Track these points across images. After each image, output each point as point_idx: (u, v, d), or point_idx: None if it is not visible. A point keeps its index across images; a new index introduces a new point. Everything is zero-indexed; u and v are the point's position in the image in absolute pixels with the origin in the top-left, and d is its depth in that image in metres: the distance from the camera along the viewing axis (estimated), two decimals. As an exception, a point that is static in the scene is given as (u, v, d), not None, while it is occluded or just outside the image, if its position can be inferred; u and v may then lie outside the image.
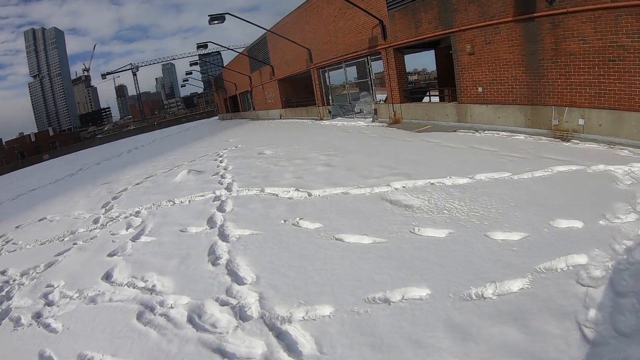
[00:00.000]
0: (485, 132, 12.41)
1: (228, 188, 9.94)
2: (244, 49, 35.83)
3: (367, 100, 22.20)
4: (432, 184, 7.69)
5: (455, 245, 5.08)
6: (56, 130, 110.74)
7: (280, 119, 32.49)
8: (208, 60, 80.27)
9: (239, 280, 5.13)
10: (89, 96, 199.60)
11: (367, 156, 11.05)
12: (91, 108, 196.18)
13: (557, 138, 10.47)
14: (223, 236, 6.78)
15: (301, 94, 31.67)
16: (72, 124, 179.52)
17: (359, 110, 22.27)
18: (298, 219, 6.91)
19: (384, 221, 6.18)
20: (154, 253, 6.68)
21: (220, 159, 14.93)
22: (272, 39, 30.52)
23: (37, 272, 7.08)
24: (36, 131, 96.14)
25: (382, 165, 9.74)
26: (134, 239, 7.67)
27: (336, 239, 5.82)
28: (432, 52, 22.94)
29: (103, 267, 6.50)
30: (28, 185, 24.49)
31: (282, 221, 6.94)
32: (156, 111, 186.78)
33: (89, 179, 18.86)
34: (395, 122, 17.98)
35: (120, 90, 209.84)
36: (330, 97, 24.87)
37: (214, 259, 5.93)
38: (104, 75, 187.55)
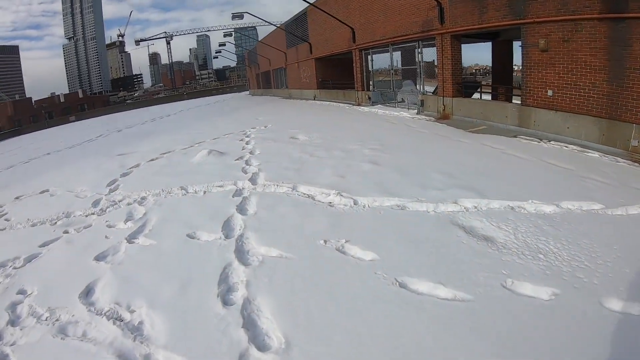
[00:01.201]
0: (551, 142, 10.66)
1: (253, 180, 8.31)
2: (281, 24, 34.03)
3: (412, 90, 20.35)
4: (512, 208, 5.95)
5: (566, 316, 3.52)
6: (86, 92, 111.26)
7: (314, 99, 30.76)
8: (243, 34, 78.64)
9: (259, 342, 3.52)
10: (122, 61, 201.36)
11: (420, 157, 9.32)
12: (123, 73, 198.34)
13: (636, 162, 8.83)
14: (241, 254, 5.16)
15: (339, 75, 29.87)
16: (104, 87, 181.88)
17: (400, 100, 20.43)
18: (344, 241, 5.21)
19: (463, 262, 4.49)
20: (149, 266, 5.14)
21: (247, 139, 13.31)
22: (313, 15, 28.68)
23: (14, 268, 5.77)
24: (67, 92, 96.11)
25: (442, 171, 7.99)
26: (131, 238, 6.14)
27: (400, 285, 4.14)
28: (489, 44, 20.91)
29: (85, 277, 5.00)
30: (45, 147, 23.38)
31: (322, 242, 5.26)
32: (187, 81, 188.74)
33: (105, 148, 17.45)
34: (444, 117, 16.11)
35: (154, 58, 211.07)
36: (371, 82, 23.01)
37: (226, 292, 4.34)
38: (137, 42, 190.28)
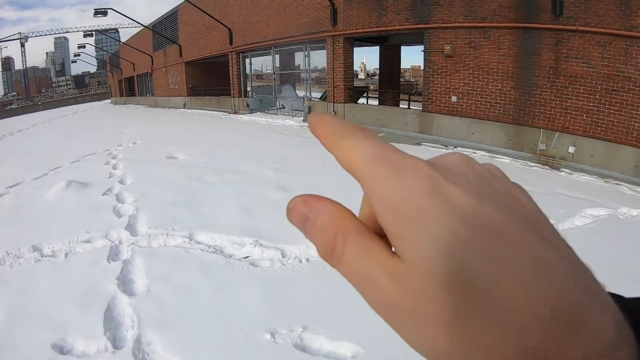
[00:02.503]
0: (457, 148, 10.53)
1: (131, 226, 6.13)
2: (148, 24, 31.02)
3: (294, 96, 19.29)
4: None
5: None
6: None
7: (184, 108, 28.29)
8: (106, 35, 71.89)
9: None
10: None
11: (332, 177, 8.07)
12: None
13: (544, 164, 9.47)
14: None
15: (212, 81, 27.87)
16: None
17: (281, 106, 19.25)
18: (300, 329, 3.40)
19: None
20: None
21: (114, 161, 10.92)
22: (185, 14, 26.38)
23: None
24: None
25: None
26: None
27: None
28: (374, 48, 20.64)
29: None
30: None
31: (268, 336, 3.34)
32: (44, 89, 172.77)
33: None
34: (335, 124, 15.20)
35: (7, 63, 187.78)
36: (249, 88, 21.48)
37: None
38: None
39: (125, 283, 4.57)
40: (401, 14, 12.75)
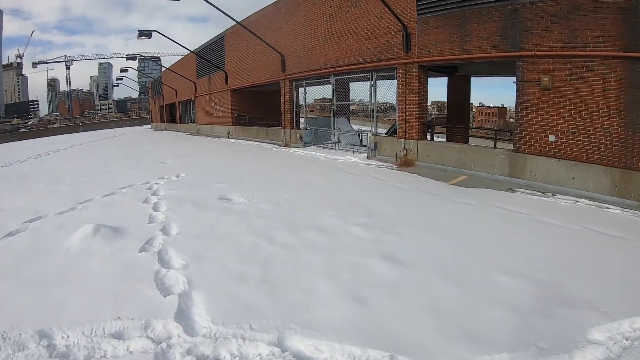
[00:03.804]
0: (556, 195, 9.11)
1: (184, 316, 3.98)
2: (193, 50, 29.95)
3: (345, 129, 17.37)
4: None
5: None
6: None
7: (228, 137, 26.67)
8: (149, 61, 72.26)
9: None
10: (19, 85, 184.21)
11: (447, 239, 6.05)
12: (19, 98, 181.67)
13: None
14: None
15: (258, 110, 26.33)
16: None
17: (337, 140, 17.23)
18: None
19: None
20: None
21: (155, 199, 8.98)
22: (232, 40, 25.14)
23: None
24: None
25: (511, 271, 4.87)
26: None
27: None
28: (441, 80, 18.58)
29: None
30: None
31: None
32: (86, 111, 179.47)
33: None
34: (405, 163, 13.07)
35: (52, 84, 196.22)
36: (302, 119, 19.60)
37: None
38: (35, 64, 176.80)
39: None
40: (488, 39, 10.95)
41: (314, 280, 4.71)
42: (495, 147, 11.64)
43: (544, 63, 9.82)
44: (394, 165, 13.20)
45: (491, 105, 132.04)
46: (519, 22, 10.16)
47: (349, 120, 20.06)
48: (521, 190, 9.56)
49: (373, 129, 14.98)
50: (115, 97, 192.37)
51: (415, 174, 11.65)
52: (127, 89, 60.67)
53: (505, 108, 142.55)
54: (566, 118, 9.56)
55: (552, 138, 9.79)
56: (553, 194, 9.09)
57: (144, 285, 4.65)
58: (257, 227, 6.62)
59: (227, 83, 26.47)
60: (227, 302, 4.20)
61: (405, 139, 13.36)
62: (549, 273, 4.81)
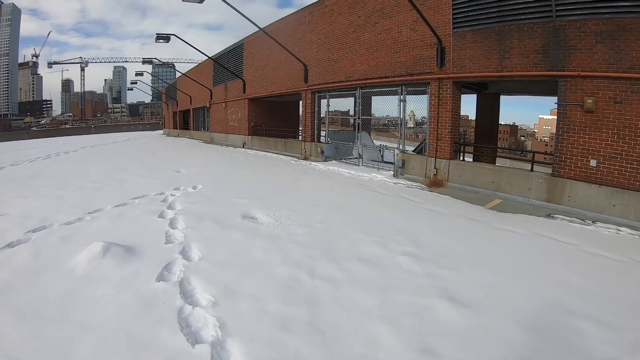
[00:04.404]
0: (597, 223, 8.51)
1: None
2: (211, 57, 29.37)
3: (367, 144, 16.57)
4: None
5: None
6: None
7: (244, 147, 25.95)
8: (161, 70, 72.05)
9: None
10: (33, 84, 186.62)
11: (507, 275, 5.21)
12: (33, 97, 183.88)
13: None
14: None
15: (275, 121, 25.68)
16: (10, 110, 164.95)
17: (357, 155, 16.45)
18: None
19: None
20: None
21: (172, 213, 8.18)
22: (251, 48, 24.55)
23: None
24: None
25: (584, 315, 4.16)
26: None
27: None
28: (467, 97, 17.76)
29: None
30: None
31: None
32: (99, 114, 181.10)
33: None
34: (435, 184, 12.25)
35: (67, 85, 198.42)
36: (323, 132, 18.82)
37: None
38: (50, 64, 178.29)
39: None
40: (529, 57, 10.32)
41: (371, 327, 3.90)
42: (532, 170, 10.89)
43: (587, 84, 9.31)
44: (423, 185, 12.36)
45: (502, 123, 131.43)
46: (562, 41, 9.61)
47: (369, 134, 19.28)
48: (560, 216, 8.99)
49: (400, 146, 14.13)
50: (128, 101, 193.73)
51: (447, 196, 10.85)
52: (140, 93, 60.63)
53: (517, 126, 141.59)
54: (609, 142, 9.12)
55: (593, 163, 9.30)
56: (593, 222, 8.54)
57: (166, 327, 3.82)
58: (292, 255, 5.77)
59: (244, 92, 25.84)
60: (272, 356, 3.36)
61: (435, 157, 12.55)
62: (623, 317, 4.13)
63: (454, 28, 11.82)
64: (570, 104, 9.54)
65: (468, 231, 7.55)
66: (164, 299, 4.37)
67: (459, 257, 5.93)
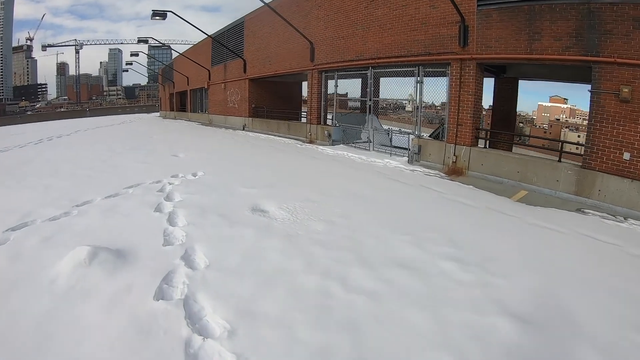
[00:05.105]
0: (629, 220, 7.89)
1: None
2: (209, 35, 28.09)
3: (376, 128, 15.62)
4: None
5: None
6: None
7: (244, 130, 24.92)
8: (157, 52, 70.44)
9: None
10: (28, 68, 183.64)
11: (555, 279, 4.54)
12: (28, 81, 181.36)
13: None
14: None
15: (277, 103, 24.62)
16: (5, 95, 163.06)
17: (366, 139, 15.51)
18: None
19: None
20: None
21: (170, 205, 7.22)
22: (252, 26, 23.38)
23: None
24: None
25: None
26: None
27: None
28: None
29: None
30: None
31: None
32: (94, 96, 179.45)
33: None
34: (454, 172, 11.35)
35: (62, 68, 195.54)
36: (330, 115, 17.83)
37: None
38: (44, 47, 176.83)
39: None
40: (561, 40, 9.43)
41: (430, 356, 3.00)
42: (560, 160, 10.02)
43: (623, 72, 8.52)
44: (441, 173, 11.46)
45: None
46: (597, 24, 8.76)
47: (377, 117, 18.33)
48: (591, 212, 8.36)
49: (416, 132, 13.16)
50: (124, 84, 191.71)
51: (471, 186, 10.00)
52: (136, 75, 59.46)
53: (517, 112, 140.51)
54: (644, 134, 8.59)
55: (627, 156, 8.62)
56: (625, 218, 7.93)
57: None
58: (317, 259, 4.86)
59: (245, 72, 24.71)
60: None
61: (455, 144, 11.63)
62: None
63: (478, 6, 10.85)
64: (604, 92, 8.76)
65: (505, 228, 6.72)
66: (165, 325, 3.45)
67: (507, 261, 5.11)
